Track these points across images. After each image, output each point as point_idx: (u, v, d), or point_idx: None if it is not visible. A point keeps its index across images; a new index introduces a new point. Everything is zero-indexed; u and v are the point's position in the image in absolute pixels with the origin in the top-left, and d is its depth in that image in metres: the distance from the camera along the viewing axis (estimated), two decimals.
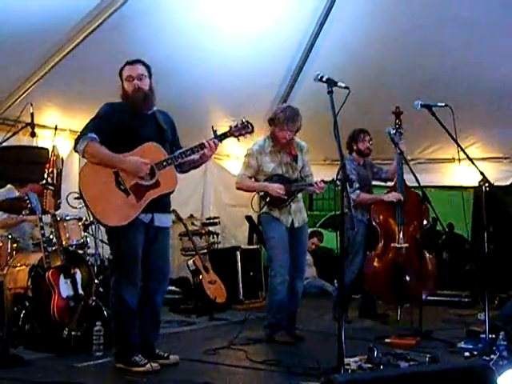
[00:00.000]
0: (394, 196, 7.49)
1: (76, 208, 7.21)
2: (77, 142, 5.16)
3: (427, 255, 7.44)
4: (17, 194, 7.10)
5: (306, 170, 6.68)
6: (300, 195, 6.68)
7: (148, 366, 5.11)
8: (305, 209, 6.79)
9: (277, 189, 6.38)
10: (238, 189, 6.72)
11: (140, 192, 5.13)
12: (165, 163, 5.19)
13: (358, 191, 7.49)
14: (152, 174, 5.16)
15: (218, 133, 5.44)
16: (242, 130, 5.47)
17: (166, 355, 5.44)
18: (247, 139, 5.66)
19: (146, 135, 5.25)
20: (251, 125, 5.51)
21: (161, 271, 5.47)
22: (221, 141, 5.43)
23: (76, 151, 5.22)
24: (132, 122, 5.23)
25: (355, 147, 7.79)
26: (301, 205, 6.68)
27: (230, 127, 5.48)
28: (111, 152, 5.11)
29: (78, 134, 5.23)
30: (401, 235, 7.42)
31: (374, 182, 8.01)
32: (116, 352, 5.31)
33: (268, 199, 6.49)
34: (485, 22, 8.09)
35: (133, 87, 5.26)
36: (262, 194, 6.60)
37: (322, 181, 6.43)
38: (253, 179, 6.59)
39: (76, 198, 6.84)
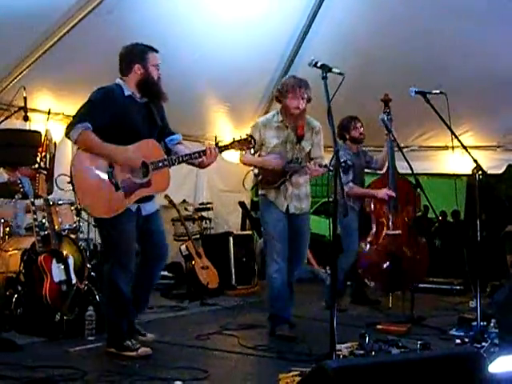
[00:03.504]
0: (385, 194, 7.44)
1: (63, 190, 7.17)
2: (69, 129, 5.07)
3: (420, 241, 7.47)
4: (5, 177, 7.06)
5: (315, 151, 6.26)
6: (304, 182, 6.28)
7: (140, 350, 5.14)
8: (308, 198, 6.36)
9: (273, 160, 6.08)
10: (243, 163, 6.38)
11: (130, 188, 5.10)
12: (161, 164, 5.16)
13: (351, 183, 7.42)
14: (146, 173, 5.15)
15: (220, 144, 5.49)
16: (244, 144, 5.44)
17: (143, 332, 5.49)
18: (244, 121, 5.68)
19: (139, 124, 5.23)
20: (254, 140, 5.51)
21: (161, 247, 5.50)
22: (221, 152, 5.43)
23: (68, 138, 5.16)
24: (126, 110, 5.18)
25: (348, 136, 7.72)
26: (303, 193, 6.26)
27: (233, 140, 5.44)
28: (104, 143, 5.05)
29: (71, 119, 5.19)
30: (393, 222, 7.44)
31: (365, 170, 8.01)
32: (108, 337, 5.32)
33: (260, 177, 6.23)
34: (477, 9, 8.07)
35: (157, 76, 5.28)
36: (255, 172, 6.36)
37: (319, 165, 5.94)
38: (256, 154, 6.23)
39: (68, 183, 6.82)
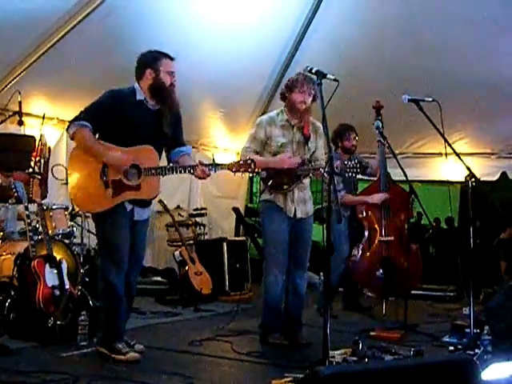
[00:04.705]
0: (378, 198, 7.45)
1: (58, 179, 7.23)
2: (70, 124, 5.22)
3: (412, 247, 7.47)
4: None
5: (318, 153, 6.05)
6: (307, 183, 6.14)
7: (129, 355, 5.15)
8: (312, 200, 6.19)
9: (287, 158, 5.78)
10: None
11: (119, 189, 5.14)
12: (154, 171, 5.17)
13: (342, 192, 7.41)
14: (138, 177, 5.17)
15: (218, 162, 5.50)
16: (242, 167, 5.16)
17: (132, 343, 5.40)
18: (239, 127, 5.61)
19: (143, 130, 5.22)
20: (254, 164, 5.17)
21: (137, 257, 5.48)
22: (215, 170, 5.24)
23: (67, 133, 5.30)
24: (132, 114, 5.19)
25: (340, 144, 7.70)
26: (307, 195, 6.07)
27: (233, 162, 5.23)
28: (96, 142, 5.16)
29: (76, 115, 5.22)
30: (386, 228, 7.44)
31: (358, 176, 7.94)
32: (101, 336, 5.33)
33: (270, 182, 5.87)
34: (471, 17, 8.10)
35: (170, 82, 5.29)
36: (263, 175, 5.96)
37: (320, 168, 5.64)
38: (258, 155, 5.84)
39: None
